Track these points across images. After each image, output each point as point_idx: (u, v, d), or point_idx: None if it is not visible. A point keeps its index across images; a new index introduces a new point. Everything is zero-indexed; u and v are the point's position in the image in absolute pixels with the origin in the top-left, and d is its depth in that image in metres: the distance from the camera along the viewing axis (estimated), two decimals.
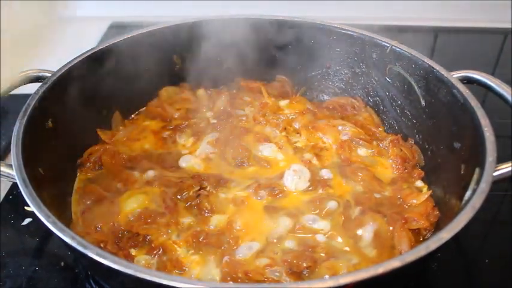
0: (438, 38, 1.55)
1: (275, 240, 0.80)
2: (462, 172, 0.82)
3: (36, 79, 0.91)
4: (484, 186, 0.70)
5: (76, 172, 0.94)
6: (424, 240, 0.82)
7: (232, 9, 1.49)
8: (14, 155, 0.74)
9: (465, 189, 0.76)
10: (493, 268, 0.85)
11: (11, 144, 0.76)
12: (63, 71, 0.92)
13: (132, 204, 0.85)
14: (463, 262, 0.88)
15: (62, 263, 0.84)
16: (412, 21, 1.57)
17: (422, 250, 0.62)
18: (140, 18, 1.47)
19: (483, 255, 0.87)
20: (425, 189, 0.92)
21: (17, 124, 0.80)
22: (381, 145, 1.01)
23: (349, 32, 1.08)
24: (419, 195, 0.88)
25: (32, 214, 0.85)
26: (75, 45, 1.10)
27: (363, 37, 1.06)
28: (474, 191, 0.71)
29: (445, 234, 0.64)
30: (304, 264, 0.75)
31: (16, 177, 0.72)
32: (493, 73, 1.38)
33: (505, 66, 1.39)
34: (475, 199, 0.68)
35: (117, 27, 1.58)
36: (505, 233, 0.92)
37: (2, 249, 0.87)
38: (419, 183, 0.94)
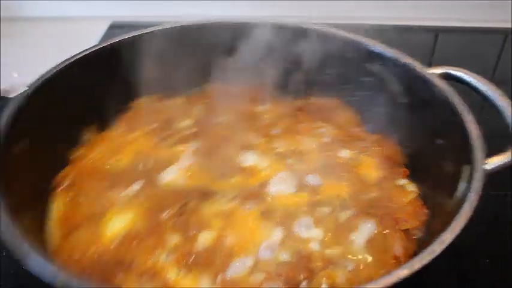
0: (438, 38, 1.55)
1: (268, 253, 0.76)
2: (448, 169, 0.81)
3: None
4: (477, 184, 0.69)
5: (52, 196, 0.86)
6: (414, 240, 0.80)
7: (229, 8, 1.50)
8: None
9: (454, 186, 0.75)
10: (492, 268, 0.85)
11: None
12: (34, 87, 0.86)
13: (114, 227, 0.79)
14: (463, 262, 0.87)
15: None
16: (412, 21, 1.57)
17: (426, 256, 0.61)
18: (140, 18, 1.47)
19: (483, 255, 0.87)
20: (410, 187, 0.90)
21: None
22: (362, 145, 0.98)
23: (323, 32, 1.05)
24: (407, 194, 0.86)
25: None
26: (75, 45, 1.10)
27: (337, 36, 1.03)
28: (468, 188, 0.70)
29: (448, 235, 0.63)
30: (301, 276, 0.71)
31: None
32: (493, 73, 1.38)
33: (505, 66, 1.39)
34: (471, 198, 0.67)
35: (117, 27, 1.56)
36: (505, 233, 0.92)
37: (2, 249, 0.84)
38: (403, 182, 0.91)
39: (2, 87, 0.82)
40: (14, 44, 1.45)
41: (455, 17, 1.58)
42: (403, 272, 0.60)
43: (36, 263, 0.59)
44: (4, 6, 1.53)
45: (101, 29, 1.55)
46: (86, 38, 1.47)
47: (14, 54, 1.40)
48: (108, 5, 1.59)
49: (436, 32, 1.56)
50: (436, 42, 1.54)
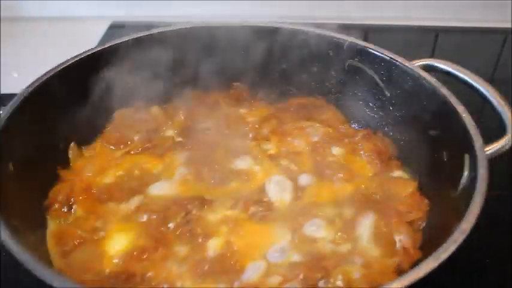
0: (438, 38, 1.54)
1: (279, 255, 0.73)
2: (446, 159, 0.81)
3: None
4: (483, 172, 0.69)
5: (45, 217, 0.80)
6: (419, 230, 0.79)
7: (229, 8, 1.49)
8: None
9: (454, 175, 0.75)
10: (493, 268, 0.83)
11: None
12: (16, 103, 0.80)
13: (118, 244, 0.75)
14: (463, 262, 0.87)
15: None
16: (412, 21, 1.57)
17: (452, 245, 0.61)
18: (141, 18, 1.47)
19: (483, 255, 0.85)
20: (407, 179, 0.88)
21: None
22: (352, 142, 0.95)
23: (302, 31, 1.02)
24: (406, 187, 0.84)
25: None
26: (75, 45, 1.09)
27: (317, 35, 1.00)
28: (473, 178, 0.70)
29: (465, 225, 0.63)
30: (318, 275, 0.69)
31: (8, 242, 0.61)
32: (493, 73, 1.38)
33: (505, 66, 1.38)
34: (480, 186, 0.68)
35: (117, 27, 1.52)
36: (505, 234, 0.90)
37: (2, 249, 0.85)
38: (399, 174, 0.90)
39: None
40: (14, 44, 1.44)
41: (455, 17, 1.57)
42: (431, 264, 0.59)
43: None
44: (4, 7, 1.51)
45: (101, 29, 1.52)
46: (86, 38, 1.44)
47: (14, 54, 1.39)
48: (108, 5, 1.57)
49: (436, 32, 1.54)
50: (436, 42, 1.53)
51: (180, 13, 1.45)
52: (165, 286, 0.69)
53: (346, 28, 1.02)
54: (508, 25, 1.49)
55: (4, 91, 1.09)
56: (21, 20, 1.54)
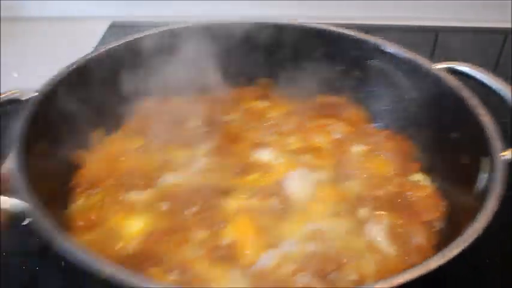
0: (438, 38, 1.55)
1: (294, 247, 0.77)
2: (465, 162, 0.82)
3: (10, 102, 0.84)
4: (500, 174, 0.71)
5: (67, 201, 0.86)
6: (436, 231, 0.81)
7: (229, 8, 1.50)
8: (21, 185, 0.68)
9: (473, 178, 0.76)
10: (493, 268, 0.85)
11: (14, 177, 0.69)
12: (45, 91, 0.86)
13: (139, 226, 0.80)
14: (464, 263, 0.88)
15: (63, 263, 0.84)
16: (412, 21, 1.57)
17: (462, 243, 0.62)
18: (141, 18, 1.47)
19: (483, 256, 0.86)
20: (426, 181, 0.91)
21: (15, 150, 0.73)
22: (374, 141, 0.99)
23: (327, 30, 1.06)
24: (424, 188, 0.88)
25: None
26: (75, 45, 1.10)
27: (342, 35, 1.05)
28: (490, 179, 0.72)
29: (478, 225, 0.64)
30: (330, 268, 0.72)
31: (31, 211, 0.65)
32: (493, 73, 1.38)
33: (505, 66, 1.39)
34: (495, 188, 0.69)
35: (117, 27, 1.55)
36: (505, 234, 0.92)
37: (2, 249, 0.84)
38: (418, 176, 0.92)
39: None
40: (14, 44, 1.45)
41: (455, 17, 1.58)
42: (440, 260, 0.61)
43: (84, 256, 0.60)
44: (4, 6, 1.53)
45: (101, 29, 1.55)
46: (86, 38, 1.47)
47: (14, 54, 1.40)
48: (108, 5, 1.59)
49: (436, 32, 1.57)
50: (436, 42, 1.54)
51: (180, 13, 1.45)
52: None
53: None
54: (508, 25, 1.50)
55: (4, 91, 1.09)
56: (21, 20, 1.55)
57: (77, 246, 0.61)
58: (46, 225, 0.64)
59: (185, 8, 1.54)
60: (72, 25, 1.54)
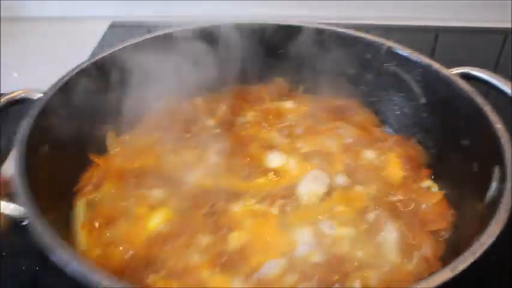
0: (438, 38, 1.55)
1: (299, 254, 0.76)
2: (475, 170, 0.81)
3: (20, 101, 0.84)
4: (511, 185, 0.69)
5: (75, 199, 0.86)
6: (443, 241, 0.80)
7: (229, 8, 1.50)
8: (21, 190, 0.67)
9: (483, 187, 0.75)
10: (493, 268, 0.84)
11: (14, 180, 0.69)
12: (54, 90, 0.84)
13: (143, 228, 0.79)
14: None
15: None
16: (412, 21, 1.57)
17: (470, 257, 0.61)
18: (141, 18, 1.47)
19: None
20: (435, 188, 0.90)
21: (17, 154, 0.72)
22: (385, 146, 0.98)
23: (342, 33, 1.05)
24: (433, 196, 0.86)
25: None
26: (75, 45, 1.10)
27: (356, 38, 1.04)
28: (500, 190, 0.70)
29: (486, 239, 0.63)
30: (335, 278, 0.71)
31: (30, 218, 0.65)
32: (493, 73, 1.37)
33: (505, 66, 1.39)
34: (506, 199, 0.67)
35: (117, 27, 1.55)
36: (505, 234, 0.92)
37: (3, 249, 0.83)
38: (428, 183, 0.92)
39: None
40: (14, 44, 1.45)
41: (455, 17, 1.58)
42: (447, 274, 0.60)
43: (80, 269, 0.60)
44: (4, 7, 1.52)
45: (101, 29, 1.54)
46: (86, 38, 1.47)
47: (14, 54, 1.40)
48: (108, 5, 1.59)
49: (436, 32, 1.57)
50: (436, 42, 1.54)
51: (180, 13, 1.45)
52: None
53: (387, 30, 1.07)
54: (508, 25, 1.50)
55: (4, 91, 1.09)
56: (21, 20, 1.55)
57: (73, 257, 0.61)
58: (44, 235, 0.63)
59: (185, 8, 1.54)
60: (72, 25, 1.54)
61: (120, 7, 1.59)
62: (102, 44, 1.44)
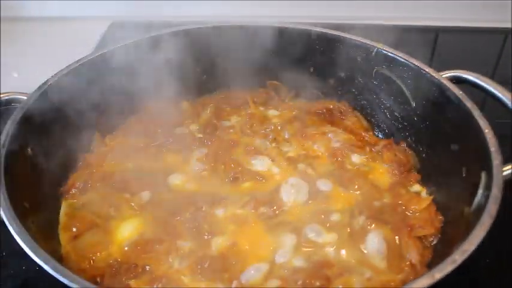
0: (438, 38, 1.55)
1: (282, 259, 0.75)
2: (464, 175, 0.80)
3: (7, 103, 0.84)
4: (496, 192, 0.68)
5: (59, 201, 0.86)
6: (430, 247, 0.79)
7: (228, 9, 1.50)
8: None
9: (471, 193, 0.74)
10: (492, 267, 0.84)
11: None
12: (39, 93, 0.85)
13: (125, 232, 0.79)
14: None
15: None
16: (412, 21, 1.57)
17: (449, 265, 0.60)
18: (141, 18, 1.47)
19: (483, 256, 0.86)
20: (423, 193, 0.90)
21: None
22: (373, 150, 0.97)
23: (333, 36, 1.04)
24: (421, 201, 0.86)
25: None
26: (75, 45, 1.10)
27: (347, 40, 1.03)
28: (486, 196, 0.69)
29: (468, 246, 0.62)
30: (318, 283, 0.70)
31: (5, 220, 0.65)
32: (493, 73, 1.38)
33: (505, 66, 1.39)
34: (490, 206, 0.67)
35: (117, 27, 1.55)
36: (505, 234, 0.92)
37: (3, 249, 0.84)
38: (417, 188, 0.91)
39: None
40: (14, 44, 1.45)
41: (455, 17, 1.58)
42: (423, 282, 0.59)
43: (55, 270, 0.61)
44: (4, 7, 1.53)
45: (101, 29, 1.55)
46: (86, 38, 1.47)
47: (14, 54, 1.40)
48: (108, 5, 1.59)
49: (436, 32, 1.56)
50: (436, 42, 1.54)
51: (180, 13, 1.44)
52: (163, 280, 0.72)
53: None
54: (508, 25, 1.50)
55: (4, 91, 1.09)
56: (21, 20, 1.55)
57: (48, 262, 0.61)
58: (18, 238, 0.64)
59: (185, 8, 1.54)
60: (72, 25, 1.55)
61: (120, 7, 1.59)
62: (102, 44, 1.44)
